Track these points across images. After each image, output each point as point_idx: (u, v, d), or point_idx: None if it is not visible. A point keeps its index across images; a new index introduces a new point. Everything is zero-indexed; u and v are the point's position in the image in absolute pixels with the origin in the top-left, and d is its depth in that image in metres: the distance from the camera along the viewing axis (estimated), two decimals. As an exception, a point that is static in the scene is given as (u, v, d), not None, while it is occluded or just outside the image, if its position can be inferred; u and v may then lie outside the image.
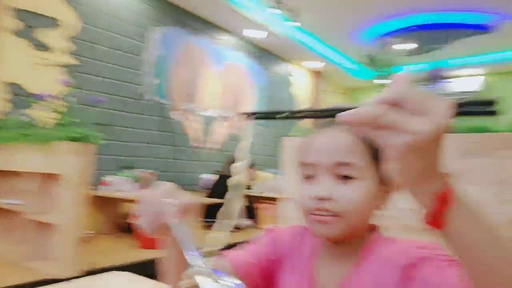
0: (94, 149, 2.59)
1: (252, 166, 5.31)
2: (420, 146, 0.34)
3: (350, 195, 0.61)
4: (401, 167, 0.37)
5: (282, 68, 7.29)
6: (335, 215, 0.61)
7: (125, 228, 4.02)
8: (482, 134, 1.16)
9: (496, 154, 1.13)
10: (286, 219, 1.54)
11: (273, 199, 4.71)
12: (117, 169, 4.27)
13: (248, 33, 6.01)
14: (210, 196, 4.46)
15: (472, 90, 7.23)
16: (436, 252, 0.57)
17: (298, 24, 5.34)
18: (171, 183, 0.62)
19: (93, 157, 2.60)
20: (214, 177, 4.99)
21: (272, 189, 5.07)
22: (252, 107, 6.32)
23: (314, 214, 0.62)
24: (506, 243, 0.41)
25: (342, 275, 0.65)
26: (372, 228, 0.69)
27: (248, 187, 5.08)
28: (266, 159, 6.62)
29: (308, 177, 0.65)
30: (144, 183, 4.16)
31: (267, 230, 0.80)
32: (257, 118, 0.52)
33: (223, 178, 4.66)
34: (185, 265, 0.60)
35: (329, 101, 8.13)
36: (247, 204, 4.91)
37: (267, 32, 5.87)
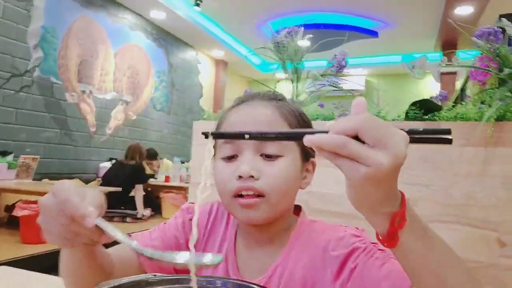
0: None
1: (156, 156, 5.12)
2: (378, 178, 0.35)
3: (275, 172, 0.59)
4: (359, 196, 0.38)
5: (189, 55, 7.12)
6: (260, 195, 0.58)
7: (3, 222, 3.53)
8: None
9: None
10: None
11: (178, 188, 4.60)
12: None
13: (154, 14, 5.72)
14: (104, 184, 4.16)
15: (357, 89, 8.05)
16: (371, 241, 0.58)
17: (199, 9, 5.26)
18: (72, 180, 0.48)
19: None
20: (109, 165, 4.68)
21: (177, 177, 4.95)
22: (150, 92, 6.06)
23: (238, 197, 0.59)
24: (455, 255, 0.44)
25: (268, 261, 0.63)
26: (297, 210, 0.70)
27: (152, 176, 4.89)
28: (170, 148, 6.45)
29: (229, 158, 0.62)
30: (24, 170, 3.69)
31: (183, 210, 0.75)
32: (219, 137, 0.50)
33: (120, 166, 4.39)
34: (92, 265, 0.56)
35: (233, 91, 8.23)
36: (149, 194, 4.72)
37: (170, 14, 5.67)
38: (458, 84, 4.29)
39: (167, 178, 4.91)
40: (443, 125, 1.20)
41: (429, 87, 7.14)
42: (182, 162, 5.64)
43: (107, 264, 0.62)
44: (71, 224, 0.46)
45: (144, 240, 0.70)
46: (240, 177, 0.58)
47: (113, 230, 0.47)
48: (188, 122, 6.92)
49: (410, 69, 1.73)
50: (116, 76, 5.35)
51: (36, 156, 3.80)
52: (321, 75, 1.46)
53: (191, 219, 0.72)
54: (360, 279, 0.54)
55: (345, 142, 0.35)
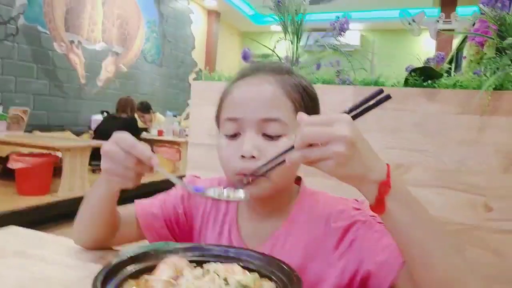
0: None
1: (149, 109, 5.07)
2: (346, 161, 0.43)
3: (275, 153, 0.56)
4: (341, 177, 0.45)
5: (181, 4, 6.83)
6: (261, 175, 0.58)
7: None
8: (374, 87, 1.30)
9: (381, 105, 1.29)
10: (193, 164, 1.54)
11: (171, 142, 4.61)
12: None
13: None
14: (96, 138, 4.16)
15: (353, 44, 7.90)
16: (370, 213, 0.61)
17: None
18: (125, 132, 0.56)
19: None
20: (101, 118, 4.65)
21: (170, 131, 4.94)
22: (141, 43, 5.87)
23: (240, 175, 0.60)
24: (438, 225, 0.49)
25: (270, 231, 0.65)
26: (297, 180, 0.71)
27: (145, 130, 4.87)
28: (162, 101, 6.38)
29: (232, 136, 0.62)
30: (15, 122, 3.65)
31: (186, 181, 0.78)
32: None
33: (112, 119, 4.36)
34: (112, 211, 0.66)
35: (226, 44, 8.02)
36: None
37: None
38: (455, 43, 4.24)
39: (160, 132, 4.90)
40: (442, 92, 1.21)
41: (425, 45, 7.05)
42: (175, 116, 5.61)
43: (117, 218, 0.70)
44: (137, 166, 0.55)
45: (145, 206, 0.74)
46: (242, 156, 0.59)
47: (165, 171, 0.57)
48: (181, 75, 6.80)
49: (407, 25, 1.71)
50: (105, 26, 5.16)
51: (26, 108, 3.74)
52: (322, 38, 1.44)
53: (189, 192, 0.75)
54: (359, 251, 0.58)
55: (303, 155, 0.45)
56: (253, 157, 0.59)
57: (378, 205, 0.46)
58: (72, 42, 4.65)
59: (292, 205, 0.67)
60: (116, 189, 0.62)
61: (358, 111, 0.47)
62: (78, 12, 4.71)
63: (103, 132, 4.14)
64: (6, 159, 3.30)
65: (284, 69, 0.66)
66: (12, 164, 2.91)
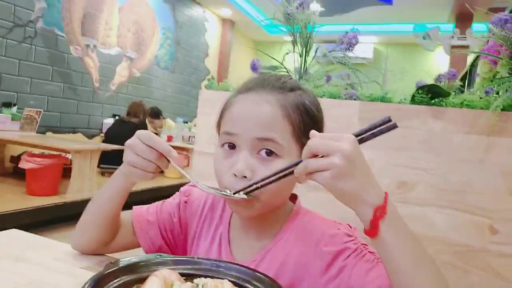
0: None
1: (159, 115, 5.11)
2: (341, 174, 0.46)
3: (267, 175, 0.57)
4: (338, 192, 0.47)
5: (197, 12, 6.92)
6: (250, 192, 0.58)
7: (9, 172, 3.60)
8: (380, 103, 1.30)
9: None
10: (197, 172, 1.55)
11: (181, 148, 4.64)
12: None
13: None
14: (106, 141, 4.21)
15: (366, 57, 7.89)
16: (362, 241, 0.60)
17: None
18: (147, 131, 0.62)
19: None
20: (112, 121, 4.71)
21: (179, 137, 4.98)
22: (155, 49, 5.95)
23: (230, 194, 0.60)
24: (428, 257, 0.49)
25: (259, 246, 0.65)
26: (293, 198, 0.71)
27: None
28: (173, 107, 6.44)
29: (228, 146, 0.62)
30: (28, 123, 3.71)
31: (182, 192, 0.78)
32: None
33: (121, 123, 4.41)
34: (124, 197, 0.69)
35: (239, 52, 8.07)
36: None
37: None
38: (469, 59, 4.20)
39: (169, 138, 4.94)
40: (449, 111, 1.20)
41: (438, 60, 7.00)
42: (185, 122, 5.65)
43: (119, 221, 0.73)
44: (157, 159, 0.60)
45: (142, 212, 0.75)
46: (235, 175, 0.59)
47: (179, 167, 0.63)
48: (193, 82, 6.86)
49: (421, 39, 1.70)
50: (120, 31, 5.25)
51: (39, 109, 3.81)
52: (330, 52, 1.44)
53: (186, 202, 0.76)
54: (348, 279, 0.57)
55: (305, 165, 0.48)
56: (245, 177, 0.59)
57: (372, 229, 0.47)
58: (87, 46, 4.74)
59: (284, 224, 0.66)
60: (134, 182, 0.66)
61: (364, 136, 0.50)
62: (95, 17, 4.81)
63: (113, 136, 4.19)
64: (18, 158, 3.37)
65: (288, 86, 0.64)
66: (22, 164, 2.96)
